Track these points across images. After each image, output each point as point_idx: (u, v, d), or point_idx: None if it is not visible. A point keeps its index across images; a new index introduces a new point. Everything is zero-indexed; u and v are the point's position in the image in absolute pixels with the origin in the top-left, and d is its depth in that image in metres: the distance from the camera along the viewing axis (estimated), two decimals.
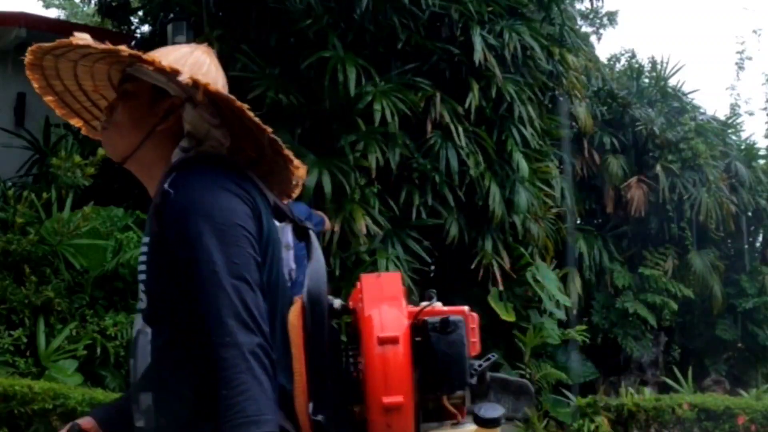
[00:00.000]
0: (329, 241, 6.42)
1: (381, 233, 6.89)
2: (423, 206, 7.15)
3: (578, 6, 12.74)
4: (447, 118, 7.18)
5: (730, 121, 12.03)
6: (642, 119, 10.43)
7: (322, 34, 6.80)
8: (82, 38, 1.43)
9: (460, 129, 7.24)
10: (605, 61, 14.09)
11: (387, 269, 6.77)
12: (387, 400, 1.58)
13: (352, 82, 6.53)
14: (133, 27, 9.63)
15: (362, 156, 6.72)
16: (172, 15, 7.80)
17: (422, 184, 7.20)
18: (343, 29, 7.02)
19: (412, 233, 7.20)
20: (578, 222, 10.17)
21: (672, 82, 11.33)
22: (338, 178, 6.56)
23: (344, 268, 6.66)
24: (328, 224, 5.73)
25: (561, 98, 9.25)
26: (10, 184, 7.17)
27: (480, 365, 1.79)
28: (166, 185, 1.45)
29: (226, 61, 6.86)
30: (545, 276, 8.15)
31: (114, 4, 9.22)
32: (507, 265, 7.73)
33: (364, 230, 6.58)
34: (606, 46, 38.48)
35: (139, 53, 1.47)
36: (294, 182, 1.70)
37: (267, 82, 6.68)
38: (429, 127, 7.18)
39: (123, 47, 1.46)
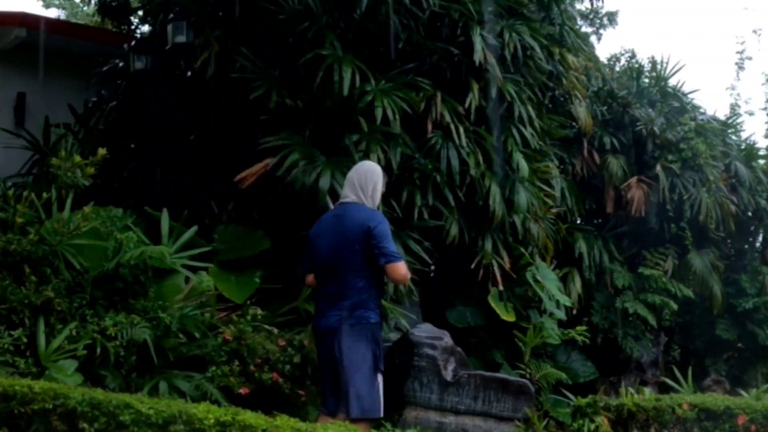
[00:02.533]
0: None
1: None
2: (424, 207, 7.14)
3: (578, 6, 12.78)
4: (447, 118, 7.18)
5: (730, 121, 12.01)
6: (642, 119, 10.43)
7: (320, 34, 6.79)
8: None
9: (461, 129, 7.24)
10: (605, 61, 14.12)
11: None
12: None
13: (347, 82, 6.50)
14: (133, 27, 9.64)
15: (365, 156, 6.71)
16: (172, 15, 7.81)
17: (423, 185, 7.20)
18: (343, 29, 7.02)
19: (413, 234, 7.19)
20: (578, 222, 10.17)
21: (672, 82, 11.31)
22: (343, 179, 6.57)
23: None
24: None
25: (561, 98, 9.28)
26: (10, 184, 7.18)
27: None
28: None
29: (226, 62, 6.86)
30: (545, 276, 8.16)
31: (114, 4, 9.23)
32: (507, 265, 7.73)
33: None
34: (606, 46, 38.45)
35: None
36: None
37: (268, 82, 6.67)
38: (429, 127, 7.18)
39: None
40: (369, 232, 4.79)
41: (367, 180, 5.05)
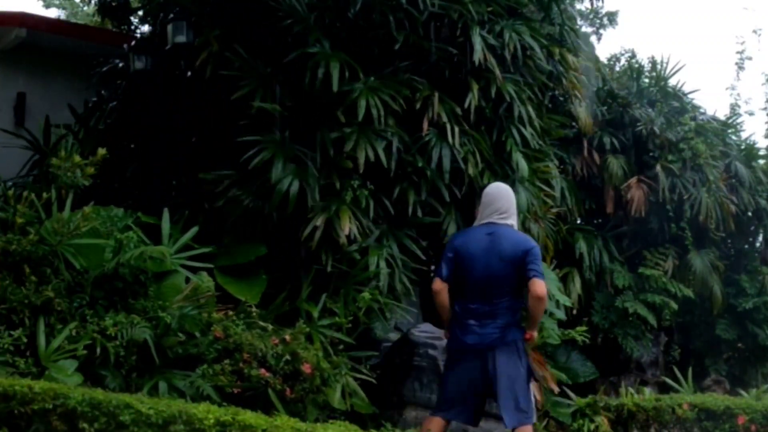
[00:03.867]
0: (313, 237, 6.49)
1: (376, 232, 6.89)
2: (420, 204, 7.13)
3: (578, 6, 12.77)
4: (444, 118, 7.17)
5: (730, 121, 12.02)
6: (642, 119, 10.44)
7: (306, 32, 6.80)
8: None
9: (456, 129, 7.22)
10: (605, 61, 14.11)
11: (378, 267, 6.73)
12: None
13: (335, 78, 6.49)
14: (133, 27, 9.64)
15: (350, 154, 6.70)
16: (172, 15, 7.80)
17: (418, 182, 7.19)
18: (337, 27, 7.01)
19: (409, 232, 7.18)
20: (578, 222, 10.17)
21: (672, 82, 11.33)
22: (326, 179, 6.59)
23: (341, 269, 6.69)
24: None
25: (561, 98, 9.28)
26: (10, 184, 7.18)
27: None
28: None
29: (224, 62, 6.85)
30: (545, 276, 8.14)
31: (114, 4, 9.23)
32: None
33: (347, 231, 6.53)
34: (606, 46, 38.44)
35: None
36: None
37: (255, 81, 6.68)
38: (425, 126, 7.17)
39: None
40: (527, 252, 4.96)
41: (510, 202, 5.20)
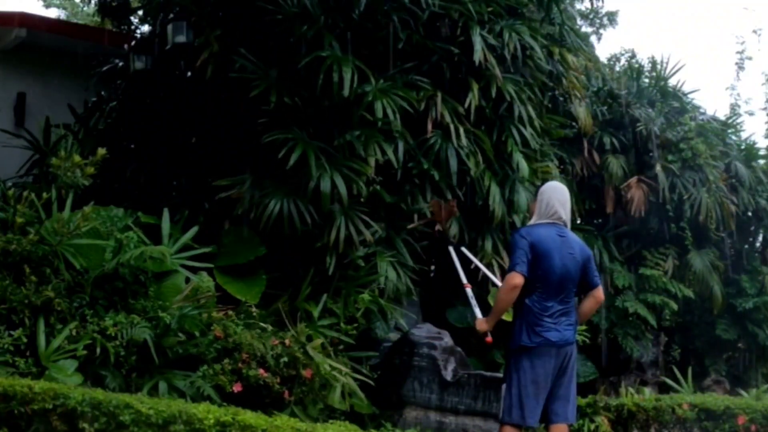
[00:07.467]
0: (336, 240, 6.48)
1: (383, 234, 6.90)
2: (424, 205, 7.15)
3: (578, 6, 12.80)
4: (447, 118, 7.18)
5: (730, 121, 12.01)
6: (642, 119, 10.43)
7: (319, 35, 6.79)
8: None
9: (461, 129, 7.24)
10: (605, 61, 14.12)
11: (386, 271, 6.76)
12: None
13: (347, 83, 6.49)
14: (133, 27, 9.64)
15: (361, 155, 6.72)
16: (172, 15, 7.81)
17: (422, 184, 7.19)
18: (342, 29, 7.02)
19: (413, 233, 7.21)
20: (578, 222, 10.17)
21: (672, 82, 11.33)
22: (347, 179, 6.58)
23: (343, 268, 6.69)
24: None
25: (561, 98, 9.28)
26: (10, 184, 7.18)
27: None
28: None
29: (225, 62, 6.85)
30: None
31: (114, 4, 9.23)
32: (507, 265, 7.73)
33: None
34: (606, 46, 38.42)
35: None
36: None
37: (267, 82, 6.67)
38: (429, 127, 7.18)
39: None
40: (590, 258, 5.16)
41: (569, 202, 5.20)
